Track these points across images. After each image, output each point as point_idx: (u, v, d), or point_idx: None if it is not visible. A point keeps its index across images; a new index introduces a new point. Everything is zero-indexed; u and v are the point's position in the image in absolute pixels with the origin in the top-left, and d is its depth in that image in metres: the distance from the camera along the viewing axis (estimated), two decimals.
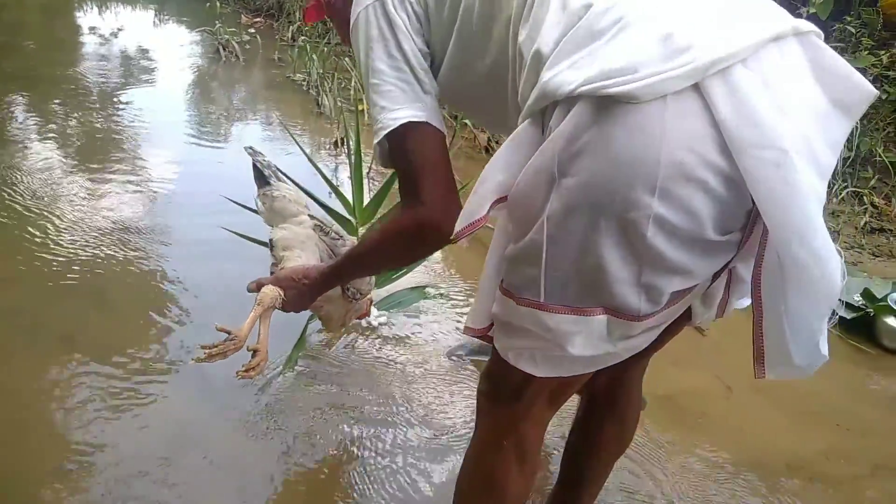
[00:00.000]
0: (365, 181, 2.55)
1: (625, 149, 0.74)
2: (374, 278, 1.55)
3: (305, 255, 1.45)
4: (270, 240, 1.51)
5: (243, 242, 2.06)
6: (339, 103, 4.20)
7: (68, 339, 1.98)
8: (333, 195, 2.30)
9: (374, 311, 2.22)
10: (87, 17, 6.93)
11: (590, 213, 0.78)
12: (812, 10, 4.17)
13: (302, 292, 1.33)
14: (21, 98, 4.00)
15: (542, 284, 0.85)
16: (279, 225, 1.53)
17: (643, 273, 0.81)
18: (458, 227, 0.89)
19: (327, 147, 3.81)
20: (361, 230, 2.18)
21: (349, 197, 2.22)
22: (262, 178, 1.60)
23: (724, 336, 2.45)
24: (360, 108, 4.01)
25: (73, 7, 7.35)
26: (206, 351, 1.27)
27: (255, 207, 2.04)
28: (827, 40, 2.92)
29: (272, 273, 1.47)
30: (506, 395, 1.03)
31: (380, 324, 2.21)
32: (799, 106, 0.75)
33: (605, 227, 0.78)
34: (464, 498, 1.18)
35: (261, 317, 1.33)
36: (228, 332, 1.29)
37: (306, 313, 2.02)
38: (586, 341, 0.87)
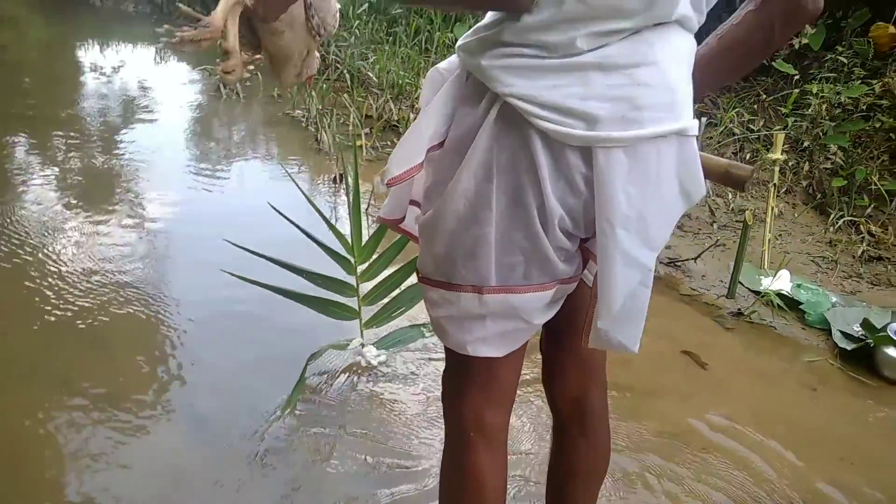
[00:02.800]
0: (364, 217, 2.56)
1: (539, 163, 0.91)
2: (338, 12, 1.29)
3: None
4: None
5: (244, 285, 2.07)
6: (338, 139, 4.24)
7: (66, 382, 1.98)
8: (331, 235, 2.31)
9: (372, 349, 2.22)
10: (87, 55, 7.01)
11: (526, 206, 0.93)
12: (805, 41, 4.23)
13: None
14: (22, 138, 4.03)
15: (494, 272, 0.98)
16: None
17: (554, 249, 0.98)
18: (394, 171, 1.00)
19: (327, 183, 3.84)
20: (361, 268, 2.19)
21: (349, 233, 2.22)
22: None
23: (725, 372, 2.44)
24: (358, 143, 4.04)
25: (73, 45, 7.45)
26: (179, 34, 1.06)
27: (255, 250, 2.07)
28: (820, 70, 2.93)
29: None
30: (464, 386, 1.12)
31: (379, 363, 2.20)
32: (648, 192, 0.92)
33: (536, 214, 0.94)
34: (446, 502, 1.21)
35: (228, 14, 1.08)
36: (198, 19, 1.07)
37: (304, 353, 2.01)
38: (543, 310, 1.04)
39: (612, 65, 0.88)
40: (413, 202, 1.14)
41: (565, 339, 1.20)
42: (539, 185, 0.92)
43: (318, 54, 1.35)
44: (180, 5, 1.12)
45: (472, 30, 0.98)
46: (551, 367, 1.28)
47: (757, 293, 2.93)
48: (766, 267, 3.12)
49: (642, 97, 0.88)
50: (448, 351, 1.13)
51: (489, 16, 0.96)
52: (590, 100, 0.87)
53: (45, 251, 2.68)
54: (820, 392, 2.40)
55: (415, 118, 4.33)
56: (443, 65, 1.06)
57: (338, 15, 1.29)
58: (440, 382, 1.20)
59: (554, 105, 0.88)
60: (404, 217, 1.16)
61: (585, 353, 1.24)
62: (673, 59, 0.92)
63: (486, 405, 1.12)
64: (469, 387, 1.12)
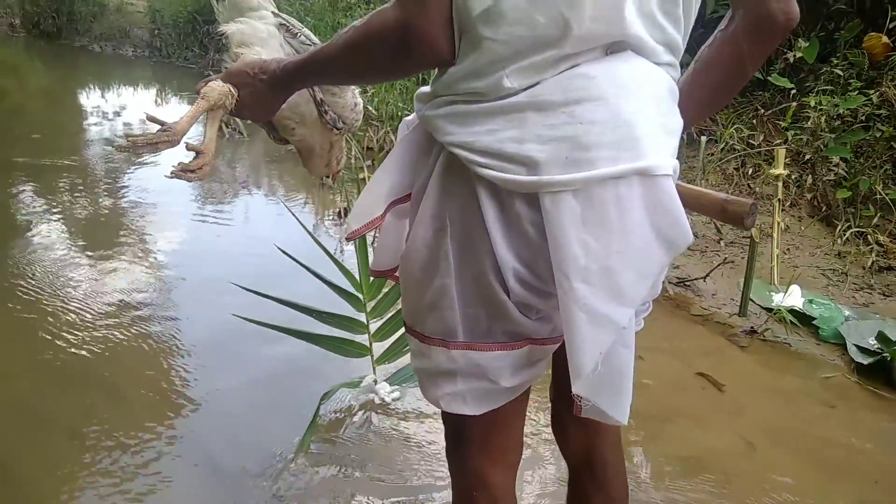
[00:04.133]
0: (371, 251, 2.56)
1: (485, 213, 0.87)
2: (360, 107, 1.30)
3: (267, 54, 1.20)
4: (224, 36, 1.27)
5: (255, 327, 2.06)
6: (342, 174, 4.26)
7: (76, 434, 1.97)
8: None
9: (385, 386, 2.20)
10: (89, 100, 7.10)
11: (478, 253, 0.89)
12: (799, 55, 4.25)
13: (259, 91, 1.08)
14: (27, 186, 4.06)
15: (460, 325, 0.93)
16: (236, 19, 1.28)
17: (517, 304, 0.92)
18: (354, 226, 1.00)
19: (331, 217, 3.85)
20: (370, 304, 2.18)
21: (356, 270, 2.21)
22: None
23: (742, 392, 2.42)
24: (360, 176, 4.06)
25: (74, 90, 7.54)
26: (132, 138, 1.04)
27: (264, 291, 2.06)
28: (816, 83, 2.89)
29: None
30: (461, 445, 1.08)
31: (393, 399, 2.19)
32: (610, 240, 0.83)
33: (489, 265, 0.89)
34: None
35: (208, 118, 1.10)
36: (162, 124, 1.06)
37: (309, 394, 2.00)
38: (513, 372, 0.97)
39: (547, 103, 0.82)
40: None
41: (567, 393, 1.18)
42: (489, 235, 0.87)
43: (344, 146, 1.37)
44: (147, 112, 1.13)
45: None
46: (557, 419, 1.24)
47: (769, 310, 2.91)
48: (776, 283, 3.10)
49: (587, 135, 0.81)
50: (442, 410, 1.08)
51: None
52: (527, 142, 0.82)
53: (55, 296, 2.68)
54: (839, 408, 2.37)
55: None
56: (409, 117, 1.05)
57: (359, 108, 1.30)
58: None
59: (491, 150, 0.84)
60: (397, 267, 1.13)
61: None
62: (625, 91, 0.83)
63: (489, 465, 1.07)
64: (467, 445, 1.07)
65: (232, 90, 1.07)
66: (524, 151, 0.82)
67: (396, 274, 1.14)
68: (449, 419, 1.08)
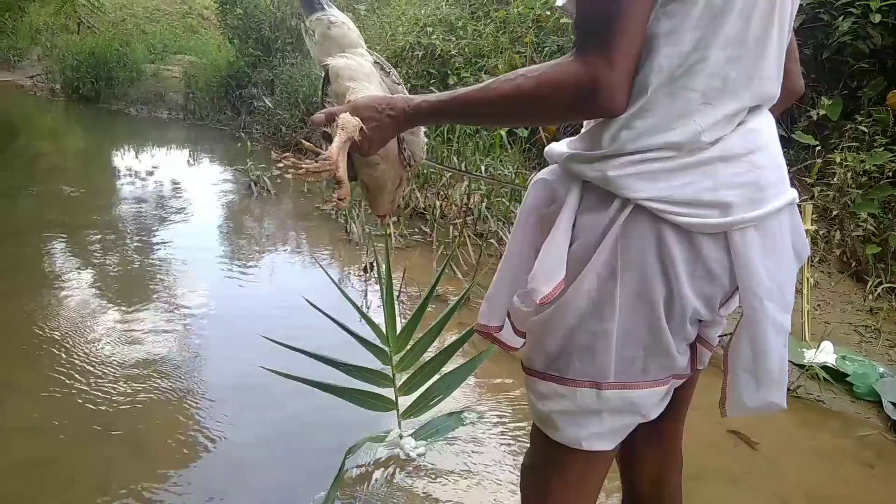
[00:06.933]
0: (396, 306, 2.57)
1: (672, 257, 0.94)
2: (425, 144, 1.33)
3: (374, 89, 1.22)
4: (328, 68, 1.26)
5: (278, 378, 2.06)
6: (368, 229, 4.31)
7: (103, 489, 1.96)
8: (364, 323, 2.31)
9: (410, 441, 2.18)
10: (123, 160, 7.31)
11: (651, 300, 0.96)
12: (822, 112, 4.27)
13: (384, 126, 1.10)
14: (60, 243, 4.16)
15: (614, 367, 0.99)
16: (338, 54, 1.29)
17: (676, 342, 1.01)
18: (544, 289, 0.99)
19: (357, 273, 3.88)
20: (396, 358, 2.18)
21: (382, 323, 2.22)
22: (311, 5, 1.33)
23: (776, 451, 2.35)
24: (387, 231, 4.10)
25: (109, 151, 7.78)
26: (302, 167, 1.07)
27: (290, 344, 2.07)
28: (840, 140, 2.94)
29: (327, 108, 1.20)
30: (555, 481, 1.09)
31: (418, 455, 2.16)
32: (779, 261, 0.98)
33: (664, 310, 0.97)
34: None
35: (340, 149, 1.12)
36: (318, 153, 1.09)
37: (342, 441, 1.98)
38: (659, 405, 1.05)
39: (732, 155, 0.94)
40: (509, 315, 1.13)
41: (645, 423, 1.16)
42: (668, 277, 0.95)
43: (407, 184, 1.41)
44: (303, 140, 1.18)
45: (571, 141, 1.03)
46: (631, 449, 1.24)
47: (801, 367, 2.85)
48: (807, 339, 3.04)
49: (763, 179, 0.95)
50: (539, 445, 1.11)
51: (592, 130, 0.98)
52: (720, 190, 0.93)
53: (82, 350, 2.71)
54: (878, 468, 2.29)
55: (441, 205, 4.37)
56: (545, 176, 1.07)
57: (425, 147, 1.35)
58: (515, 475, 1.16)
59: (688, 201, 0.93)
60: (502, 326, 1.15)
61: (665, 432, 1.24)
62: (774, 139, 1.00)
63: (576, 500, 1.09)
64: (560, 482, 1.09)
65: (360, 123, 1.09)
66: (718, 197, 0.93)
67: (498, 335, 1.15)
68: (548, 456, 1.09)
